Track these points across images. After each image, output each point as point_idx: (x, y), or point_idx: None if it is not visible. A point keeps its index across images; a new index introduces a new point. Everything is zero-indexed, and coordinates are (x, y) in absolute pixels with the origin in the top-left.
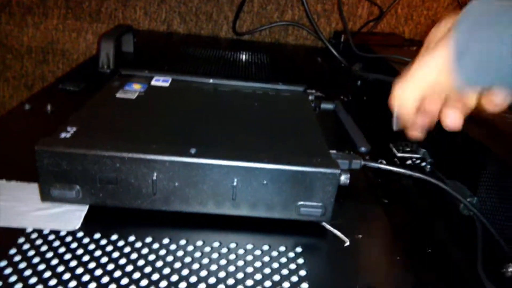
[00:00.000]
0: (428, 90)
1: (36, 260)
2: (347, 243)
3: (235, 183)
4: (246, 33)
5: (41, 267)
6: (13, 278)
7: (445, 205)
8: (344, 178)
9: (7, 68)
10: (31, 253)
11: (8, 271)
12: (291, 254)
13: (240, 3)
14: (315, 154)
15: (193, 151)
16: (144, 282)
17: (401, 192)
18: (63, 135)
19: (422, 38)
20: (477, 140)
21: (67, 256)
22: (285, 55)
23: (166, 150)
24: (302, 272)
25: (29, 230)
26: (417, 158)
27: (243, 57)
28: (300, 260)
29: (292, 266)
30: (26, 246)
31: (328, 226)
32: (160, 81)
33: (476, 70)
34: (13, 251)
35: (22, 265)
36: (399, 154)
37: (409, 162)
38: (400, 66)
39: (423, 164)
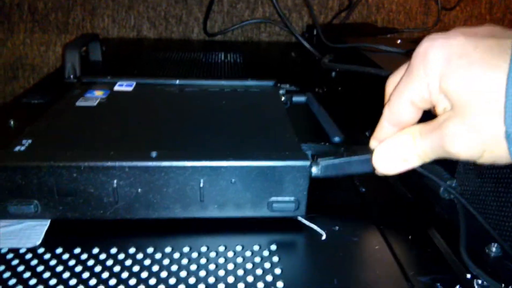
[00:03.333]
0: None
1: None
2: (324, 236)
3: (201, 184)
4: (218, 34)
5: None
6: None
7: (425, 190)
8: (316, 170)
9: None
10: None
11: None
12: (266, 253)
13: (209, 3)
14: (284, 148)
15: (154, 154)
16: None
17: (379, 180)
18: (17, 148)
19: (395, 25)
20: None
21: (26, 275)
22: (258, 52)
23: (125, 155)
24: (277, 271)
25: None
26: None
27: (215, 57)
28: (275, 258)
29: (267, 265)
30: None
31: (303, 220)
32: (124, 86)
33: None
34: None
35: None
36: None
37: None
38: (371, 54)
39: None
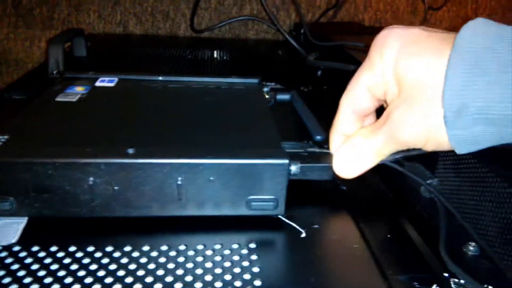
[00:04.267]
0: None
1: None
2: (303, 234)
3: (179, 182)
4: (205, 30)
5: None
6: None
7: (406, 189)
8: (295, 168)
9: None
10: None
11: None
12: (244, 251)
13: None
14: (264, 146)
15: (130, 151)
16: None
17: (360, 179)
18: None
19: (382, 24)
20: None
21: (1, 273)
22: (245, 49)
23: (101, 152)
24: (255, 269)
25: None
26: None
27: (202, 54)
28: (254, 257)
29: (245, 263)
30: None
31: (283, 219)
32: (106, 81)
33: (477, 139)
34: None
35: None
36: None
37: None
38: (356, 52)
39: None
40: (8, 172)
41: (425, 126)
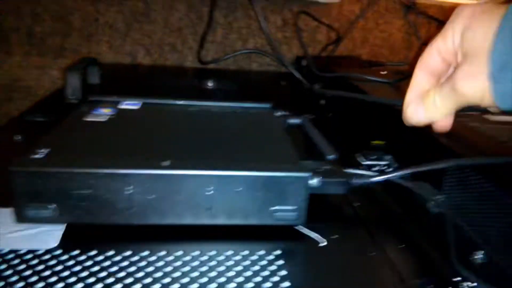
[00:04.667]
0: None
1: (14, 278)
2: (325, 243)
3: (210, 193)
4: (211, 62)
5: (20, 285)
6: None
7: (414, 205)
8: (315, 181)
9: None
10: (8, 272)
11: None
12: (271, 257)
13: (203, 33)
14: (286, 161)
15: (166, 163)
16: None
17: (370, 196)
18: (36, 156)
19: (379, 59)
20: (438, 142)
21: (46, 273)
22: (250, 80)
23: (140, 164)
24: (283, 272)
25: (5, 251)
26: (383, 165)
27: (210, 83)
28: (280, 261)
29: (273, 267)
30: (2, 266)
31: (304, 229)
32: (130, 104)
33: None
34: None
35: None
36: (365, 162)
37: (376, 168)
38: (358, 83)
39: (389, 169)
40: (52, 181)
41: (480, 82)
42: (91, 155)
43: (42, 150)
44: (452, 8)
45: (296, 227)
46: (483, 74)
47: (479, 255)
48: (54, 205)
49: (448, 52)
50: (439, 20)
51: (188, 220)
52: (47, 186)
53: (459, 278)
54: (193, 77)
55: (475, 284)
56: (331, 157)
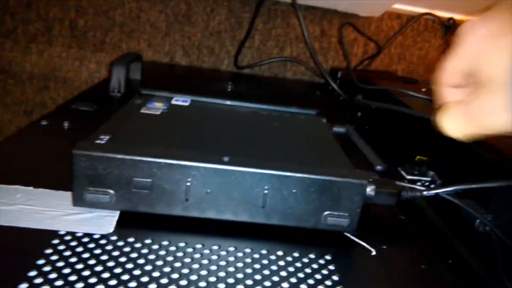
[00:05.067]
0: None
1: (73, 259)
2: (374, 253)
3: (265, 191)
4: (246, 67)
5: (79, 266)
6: (53, 275)
7: (460, 222)
8: (370, 190)
9: (7, 94)
10: (67, 253)
11: (46, 268)
12: (322, 261)
13: (243, 38)
14: (341, 167)
15: (226, 159)
16: (183, 282)
17: (416, 211)
18: (97, 141)
19: (414, 76)
20: (485, 160)
21: (104, 257)
22: (284, 88)
23: (201, 157)
24: (335, 277)
25: (62, 232)
26: (426, 181)
27: (244, 87)
28: (332, 267)
29: (325, 271)
30: (61, 247)
31: (352, 237)
32: (180, 101)
33: None
34: (48, 251)
35: (60, 263)
36: (409, 177)
37: (418, 184)
38: (400, 97)
39: (433, 186)
40: (114, 167)
41: (503, 115)
42: (151, 145)
43: (103, 137)
44: None
45: (346, 234)
46: (505, 107)
47: None
48: (112, 191)
49: (463, 73)
50: None
51: (243, 217)
52: (108, 171)
53: None
54: (229, 80)
55: None
56: (379, 168)
